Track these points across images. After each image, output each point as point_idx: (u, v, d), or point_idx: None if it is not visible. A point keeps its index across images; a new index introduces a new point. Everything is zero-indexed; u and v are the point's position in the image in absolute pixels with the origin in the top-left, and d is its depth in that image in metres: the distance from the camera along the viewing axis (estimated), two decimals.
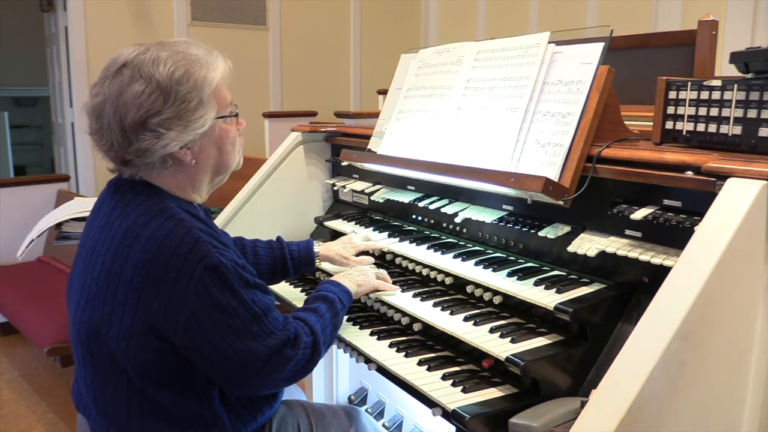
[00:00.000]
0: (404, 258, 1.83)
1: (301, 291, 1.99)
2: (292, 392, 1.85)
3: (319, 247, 1.87)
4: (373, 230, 2.01)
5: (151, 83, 1.26)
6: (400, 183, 2.05)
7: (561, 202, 1.42)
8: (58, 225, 3.37)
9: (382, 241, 1.91)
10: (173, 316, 1.22)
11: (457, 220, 1.76)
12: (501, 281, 1.51)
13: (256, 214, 2.30)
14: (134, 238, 1.25)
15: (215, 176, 1.43)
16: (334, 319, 1.48)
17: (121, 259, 1.25)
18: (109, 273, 1.27)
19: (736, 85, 1.29)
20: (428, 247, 1.78)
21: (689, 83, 1.38)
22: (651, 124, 1.47)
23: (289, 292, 1.99)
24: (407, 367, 1.48)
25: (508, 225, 1.63)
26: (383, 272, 1.76)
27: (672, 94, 1.41)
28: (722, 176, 1.14)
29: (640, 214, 1.31)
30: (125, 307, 1.24)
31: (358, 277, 1.67)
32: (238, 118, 1.44)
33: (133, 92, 1.26)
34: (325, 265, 1.89)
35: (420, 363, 1.49)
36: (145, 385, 1.28)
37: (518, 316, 1.52)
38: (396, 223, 2.06)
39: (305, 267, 1.86)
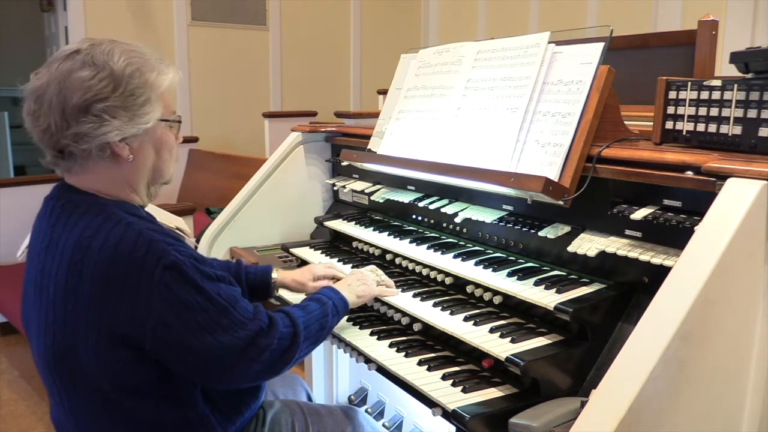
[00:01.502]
0: (404, 258, 1.83)
1: None
2: (295, 390, 1.84)
3: (276, 274, 1.80)
4: (373, 230, 2.01)
5: (103, 70, 1.25)
6: (400, 183, 2.05)
7: (561, 202, 1.42)
8: None
9: (381, 241, 1.91)
10: (140, 322, 1.19)
11: (457, 220, 1.76)
12: (501, 281, 1.51)
13: (256, 214, 2.30)
14: (85, 252, 1.21)
15: (151, 182, 1.39)
16: (322, 319, 1.45)
17: (75, 275, 1.22)
18: (64, 293, 1.23)
19: (736, 85, 1.29)
20: (428, 247, 1.78)
21: (689, 83, 1.38)
22: (651, 124, 1.47)
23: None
24: (407, 367, 1.48)
25: (508, 225, 1.63)
26: (383, 275, 1.75)
27: (672, 94, 1.41)
28: (722, 176, 1.14)
29: (640, 214, 1.31)
30: (87, 323, 1.21)
31: (359, 287, 1.64)
32: (179, 127, 1.42)
33: (82, 76, 1.24)
34: (284, 292, 1.84)
35: (420, 363, 1.49)
36: (124, 398, 1.25)
37: (518, 316, 1.52)
38: (396, 223, 2.06)
39: (260, 292, 1.79)
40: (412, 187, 2.01)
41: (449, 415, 1.30)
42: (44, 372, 1.33)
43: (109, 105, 1.24)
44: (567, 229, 1.51)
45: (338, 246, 2.16)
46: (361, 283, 1.66)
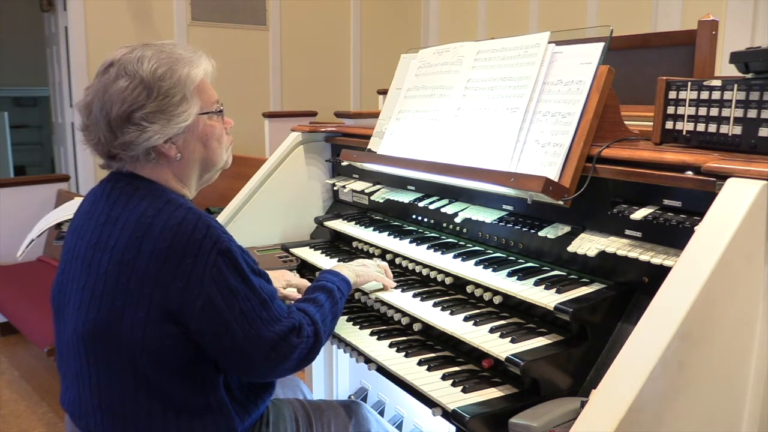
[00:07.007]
0: (404, 258, 1.83)
1: None
2: (295, 391, 1.85)
3: None
4: (373, 230, 2.01)
5: (134, 79, 1.31)
6: (400, 183, 2.05)
7: (561, 202, 1.42)
8: (58, 225, 3.37)
9: (381, 241, 1.91)
10: (191, 301, 1.25)
11: (457, 220, 1.76)
12: (501, 281, 1.51)
13: (256, 214, 2.30)
14: (146, 229, 1.27)
15: (203, 173, 1.46)
16: (333, 308, 1.50)
17: (134, 250, 1.27)
18: (119, 266, 1.28)
19: (736, 85, 1.29)
20: (428, 247, 1.78)
21: (689, 83, 1.38)
22: (651, 124, 1.47)
23: None
24: (407, 367, 1.48)
25: (508, 225, 1.63)
26: (384, 264, 1.76)
27: (672, 94, 1.41)
28: (722, 176, 1.14)
29: (640, 214, 1.31)
30: (140, 297, 1.26)
31: (358, 267, 1.68)
32: (223, 115, 1.47)
33: (118, 88, 1.31)
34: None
35: (420, 363, 1.49)
36: (156, 374, 1.28)
37: (518, 316, 1.52)
38: (396, 223, 2.06)
39: None
40: (412, 187, 2.01)
41: (449, 415, 1.30)
42: (75, 347, 1.34)
43: (147, 112, 1.31)
44: (567, 229, 1.51)
45: (338, 246, 2.16)
46: (359, 264, 1.70)
